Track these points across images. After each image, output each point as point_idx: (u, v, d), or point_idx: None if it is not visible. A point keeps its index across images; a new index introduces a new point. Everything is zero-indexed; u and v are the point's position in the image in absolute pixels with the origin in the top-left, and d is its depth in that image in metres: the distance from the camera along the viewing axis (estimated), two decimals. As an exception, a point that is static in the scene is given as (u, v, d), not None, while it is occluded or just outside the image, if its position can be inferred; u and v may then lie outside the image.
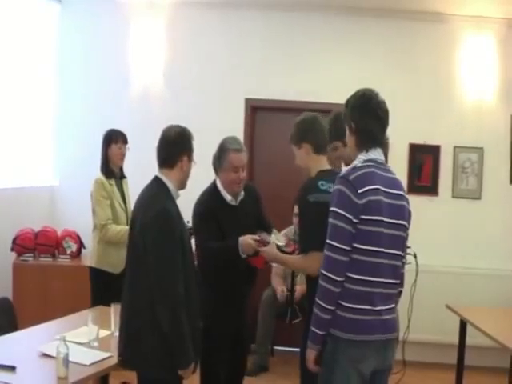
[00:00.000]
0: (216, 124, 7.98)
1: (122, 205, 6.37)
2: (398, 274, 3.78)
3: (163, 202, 4.00)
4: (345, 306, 3.63)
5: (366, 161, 3.75)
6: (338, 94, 8.16)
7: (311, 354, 3.78)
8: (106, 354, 4.25)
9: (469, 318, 5.89)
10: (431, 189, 8.13)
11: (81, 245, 7.79)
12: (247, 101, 8.43)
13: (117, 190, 6.38)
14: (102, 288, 6.13)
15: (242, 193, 5.14)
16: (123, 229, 6.07)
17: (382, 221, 3.64)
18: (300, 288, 7.27)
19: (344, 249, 3.60)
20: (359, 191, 3.60)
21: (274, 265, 7.78)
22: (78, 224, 7.79)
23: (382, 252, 3.65)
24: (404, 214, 3.78)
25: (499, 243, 8.05)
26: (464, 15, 8.03)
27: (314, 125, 4.48)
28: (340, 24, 8.27)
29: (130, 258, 4.09)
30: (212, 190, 5.08)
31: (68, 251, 7.66)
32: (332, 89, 8.12)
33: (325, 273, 3.62)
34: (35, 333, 4.78)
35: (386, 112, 3.87)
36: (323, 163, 4.37)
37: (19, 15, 7.82)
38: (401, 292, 3.92)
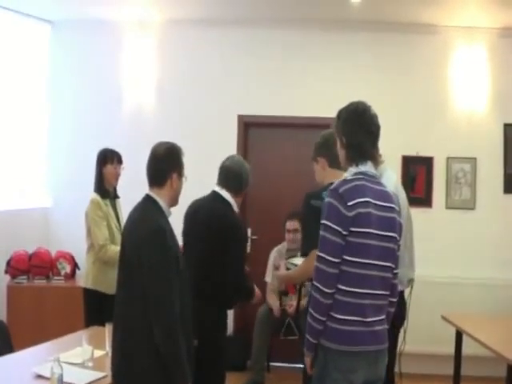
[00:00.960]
0: (209, 141, 8.01)
1: (117, 225, 6.31)
2: (388, 285, 3.77)
3: (157, 220, 3.95)
4: (335, 318, 3.64)
5: (356, 173, 3.76)
6: (331, 109, 8.22)
7: (308, 361, 3.81)
8: (101, 374, 4.22)
9: (465, 328, 5.87)
10: (425, 200, 8.13)
11: (75, 266, 7.78)
12: (240, 117, 8.44)
13: (111, 210, 6.33)
14: (96, 309, 6.09)
15: None
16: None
17: (372, 233, 3.64)
18: (296, 304, 7.30)
19: (333, 261, 3.61)
20: (348, 204, 3.61)
21: (268, 281, 7.79)
22: (72, 245, 7.78)
23: (372, 264, 3.66)
24: (394, 226, 3.77)
25: (494, 253, 8.04)
26: (455, 26, 8.07)
27: (330, 139, 4.44)
28: (333, 38, 8.30)
29: (122, 276, 4.02)
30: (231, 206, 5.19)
31: (62, 272, 7.65)
32: (325, 103, 8.11)
33: (316, 284, 3.65)
34: (30, 354, 4.75)
35: (377, 126, 3.88)
36: (338, 177, 4.18)
37: (10, 36, 7.85)
38: (393, 302, 3.89)
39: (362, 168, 3.77)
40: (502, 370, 6.15)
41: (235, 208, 5.14)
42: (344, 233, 3.60)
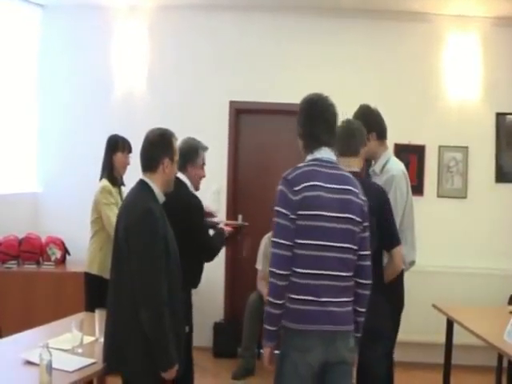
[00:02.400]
0: (201, 127, 7.95)
1: None
2: (349, 266, 3.88)
3: (146, 203, 3.98)
4: (291, 298, 3.81)
5: (309, 160, 3.98)
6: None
7: (266, 352, 3.94)
8: (90, 361, 4.19)
9: (456, 317, 5.86)
10: (416, 189, 8.07)
11: (65, 251, 7.75)
12: (231, 103, 8.41)
13: (118, 196, 6.28)
14: (99, 295, 6.05)
15: None
16: None
17: (323, 215, 3.79)
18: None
19: (285, 244, 3.78)
20: (295, 189, 3.80)
21: (259, 268, 7.77)
22: (63, 230, 7.76)
23: (325, 245, 3.80)
24: (351, 207, 3.88)
25: (485, 242, 8.05)
26: (448, 14, 8.05)
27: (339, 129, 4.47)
28: (324, 25, 8.26)
29: (114, 261, 4.07)
30: (184, 184, 5.21)
31: (52, 258, 7.62)
32: (316, 90, 8.10)
33: (271, 269, 3.82)
34: (19, 340, 4.72)
35: (332, 114, 4.03)
36: (350, 165, 4.54)
37: (1, 20, 7.78)
38: (365, 285, 3.96)
39: (317, 155, 3.96)
40: (493, 359, 6.19)
41: (189, 185, 5.25)
42: (292, 216, 3.78)
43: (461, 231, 8.12)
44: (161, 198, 4.13)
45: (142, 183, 4.12)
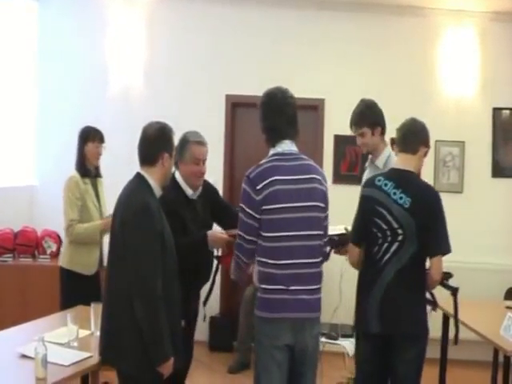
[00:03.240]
0: (197, 121, 7.90)
1: (97, 204, 6.27)
2: (315, 253, 4.06)
3: (143, 197, 3.98)
4: (262, 288, 4.04)
5: (271, 155, 4.16)
6: (319, 90, 8.26)
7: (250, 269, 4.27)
8: (86, 354, 4.20)
9: (451, 312, 5.86)
10: (413, 183, 8.12)
11: (60, 244, 7.73)
12: (228, 97, 8.40)
13: (91, 188, 6.25)
14: (71, 289, 6.06)
15: (200, 188, 5.11)
16: (91, 225, 6.06)
17: (284, 207, 3.97)
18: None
19: (248, 239, 4.06)
20: (257, 188, 4.00)
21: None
22: (58, 224, 7.70)
23: (290, 236, 3.98)
24: (314, 195, 4.05)
25: (481, 237, 8.06)
26: (444, 9, 8.04)
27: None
28: (320, 20, 8.26)
29: (111, 256, 4.05)
30: (172, 184, 4.89)
31: (48, 251, 7.60)
32: (312, 85, 8.13)
33: (237, 253, 4.18)
34: (14, 334, 4.72)
35: (292, 106, 4.21)
36: (406, 163, 4.58)
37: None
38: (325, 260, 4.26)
39: (279, 148, 4.14)
40: (489, 354, 6.18)
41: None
42: (256, 216, 4.00)
43: (457, 226, 8.00)
44: (158, 192, 4.12)
45: (139, 177, 4.10)
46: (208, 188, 5.23)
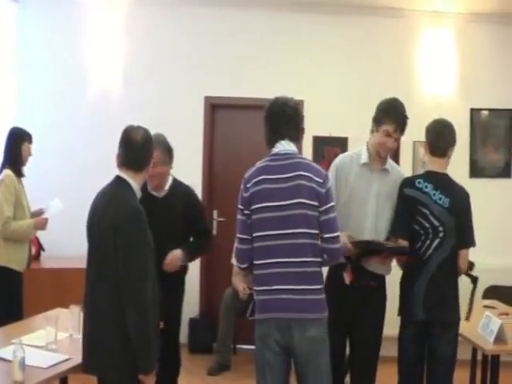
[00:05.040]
0: (176, 123, 7.94)
1: (27, 202, 6.34)
2: (301, 251, 4.03)
3: (134, 201, 3.96)
4: (254, 290, 4.16)
5: (266, 156, 4.24)
6: (298, 91, 8.25)
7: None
8: (64, 357, 4.19)
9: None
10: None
11: (39, 247, 7.70)
12: (206, 99, 8.40)
13: (22, 187, 6.32)
14: (7, 286, 6.06)
15: (167, 188, 5.29)
16: (26, 222, 6.14)
17: (268, 206, 4.05)
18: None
19: (242, 238, 4.18)
20: (247, 186, 4.16)
21: (234, 264, 7.76)
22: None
23: (274, 234, 4.03)
24: (299, 192, 4.04)
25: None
26: (422, 10, 8.08)
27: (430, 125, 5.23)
28: (299, 20, 8.27)
29: (94, 258, 3.97)
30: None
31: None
32: (291, 85, 8.12)
33: (235, 262, 4.42)
34: (-9, 337, 4.71)
35: (291, 107, 4.28)
36: (436, 166, 4.98)
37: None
38: (327, 262, 4.22)
39: (275, 149, 4.21)
40: (467, 353, 6.20)
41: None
42: (246, 212, 4.13)
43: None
44: (139, 195, 4.09)
45: (121, 180, 4.04)
46: (182, 195, 5.39)
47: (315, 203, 4.04)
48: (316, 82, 8.26)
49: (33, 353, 4.06)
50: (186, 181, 7.41)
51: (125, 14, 8.36)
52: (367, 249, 4.73)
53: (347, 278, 4.80)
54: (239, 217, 4.19)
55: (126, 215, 3.85)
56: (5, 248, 6.12)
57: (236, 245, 4.27)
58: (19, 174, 6.29)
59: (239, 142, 8.51)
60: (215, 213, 8.49)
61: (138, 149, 4.06)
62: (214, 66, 8.35)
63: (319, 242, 4.10)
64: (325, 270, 4.52)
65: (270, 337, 4.04)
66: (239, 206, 4.18)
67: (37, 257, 7.62)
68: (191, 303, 8.24)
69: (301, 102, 8.13)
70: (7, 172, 6.18)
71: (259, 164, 4.22)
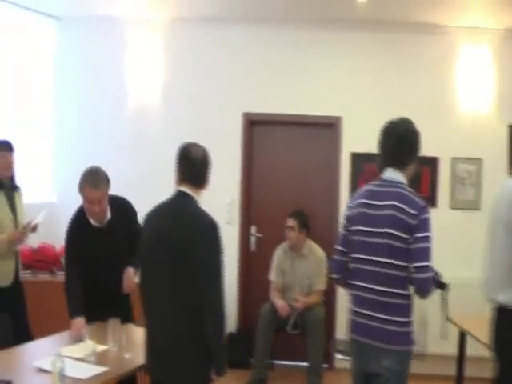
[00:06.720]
0: (214, 139, 7.92)
1: (10, 215, 6.30)
2: (386, 281, 3.98)
3: (207, 214, 4.06)
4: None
5: (375, 181, 4.24)
6: (336, 108, 8.30)
7: None
8: (103, 369, 4.23)
9: (468, 328, 5.86)
10: (429, 200, 8.10)
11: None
12: (245, 115, 8.44)
13: (5, 199, 6.28)
14: None
15: (109, 215, 5.35)
16: None
17: (361, 230, 4.11)
18: (303, 300, 7.35)
19: (337, 249, 4.27)
20: (350, 205, 4.28)
21: (272, 280, 7.78)
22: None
23: (362, 258, 4.10)
24: (390, 222, 3.99)
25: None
26: (460, 26, 8.05)
27: None
28: (337, 38, 8.28)
29: (166, 270, 4.01)
30: (79, 212, 5.43)
31: (65, 267, 7.64)
32: (330, 102, 8.19)
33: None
34: (32, 348, 4.79)
35: (397, 135, 4.24)
36: None
37: (16, 31, 7.86)
38: (425, 295, 4.02)
39: (383, 176, 4.20)
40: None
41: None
42: (346, 228, 4.23)
43: (474, 243, 8.04)
44: None
45: (185, 194, 4.13)
46: (121, 212, 5.46)
47: (404, 235, 3.95)
48: (354, 98, 8.26)
49: (72, 364, 4.11)
50: (224, 197, 7.56)
51: (163, 31, 8.45)
52: None
53: None
54: (340, 230, 4.34)
55: (204, 229, 3.98)
56: None
57: (333, 256, 4.38)
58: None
59: (277, 158, 8.54)
60: (253, 229, 8.52)
61: (199, 165, 4.17)
62: (252, 82, 8.40)
63: (408, 274, 3.99)
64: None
65: (354, 357, 4.19)
66: (342, 221, 4.33)
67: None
68: (229, 318, 8.23)
69: (339, 119, 8.19)
70: None
71: (367, 186, 4.27)
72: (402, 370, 4.03)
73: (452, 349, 6.62)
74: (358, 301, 4.11)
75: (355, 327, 4.12)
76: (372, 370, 4.03)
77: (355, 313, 4.12)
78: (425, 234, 3.98)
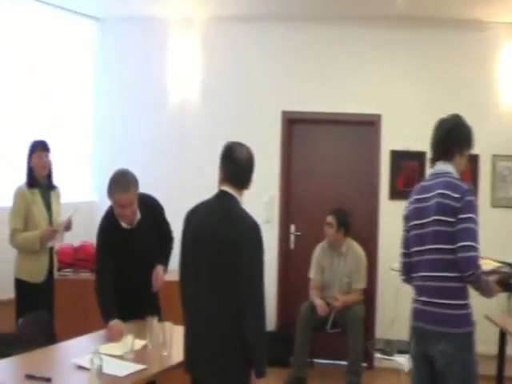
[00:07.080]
0: (253, 138, 7.88)
1: (45, 214, 6.40)
2: (442, 266, 4.08)
3: (252, 217, 4.04)
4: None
5: (428, 175, 4.45)
6: (375, 105, 8.25)
7: None
8: (141, 366, 4.25)
9: (508, 328, 5.81)
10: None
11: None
12: (284, 113, 8.44)
13: (40, 198, 6.39)
14: (22, 298, 6.19)
15: (139, 216, 5.27)
16: (30, 234, 6.22)
17: (415, 224, 4.27)
18: (342, 298, 7.34)
19: (401, 251, 4.43)
20: (407, 205, 4.41)
21: (312, 278, 7.78)
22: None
23: (419, 250, 4.23)
24: (435, 209, 4.11)
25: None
26: (502, 22, 7.96)
27: None
28: (375, 35, 8.24)
29: (212, 269, 3.99)
30: (108, 214, 5.34)
31: (106, 266, 7.71)
32: (368, 100, 8.14)
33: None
34: (71, 346, 4.82)
35: (443, 129, 4.37)
36: None
37: (56, 32, 7.94)
38: (470, 276, 4.00)
39: (433, 169, 4.35)
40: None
41: None
42: (405, 227, 4.39)
43: (515, 240, 8.00)
44: None
45: (228, 195, 4.10)
46: (149, 212, 5.40)
47: (449, 219, 4.04)
48: (393, 96, 8.22)
49: (110, 362, 4.14)
50: (263, 195, 7.54)
51: (203, 30, 8.49)
52: None
53: None
54: (402, 232, 4.44)
55: (249, 230, 3.97)
56: (19, 260, 6.32)
57: (400, 259, 4.50)
58: (31, 184, 6.37)
59: (316, 156, 8.52)
60: (292, 227, 8.52)
61: (242, 165, 4.12)
62: (291, 80, 8.39)
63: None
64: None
65: (414, 343, 4.31)
66: (403, 222, 4.44)
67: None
68: (268, 316, 8.24)
69: (378, 116, 8.15)
70: (19, 185, 6.36)
71: (419, 183, 4.44)
72: (456, 354, 4.04)
73: (492, 348, 6.57)
74: (417, 290, 4.26)
75: (415, 314, 4.25)
76: (432, 354, 4.13)
77: (415, 301, 4.25)
78: (468, 215, 4.03)
